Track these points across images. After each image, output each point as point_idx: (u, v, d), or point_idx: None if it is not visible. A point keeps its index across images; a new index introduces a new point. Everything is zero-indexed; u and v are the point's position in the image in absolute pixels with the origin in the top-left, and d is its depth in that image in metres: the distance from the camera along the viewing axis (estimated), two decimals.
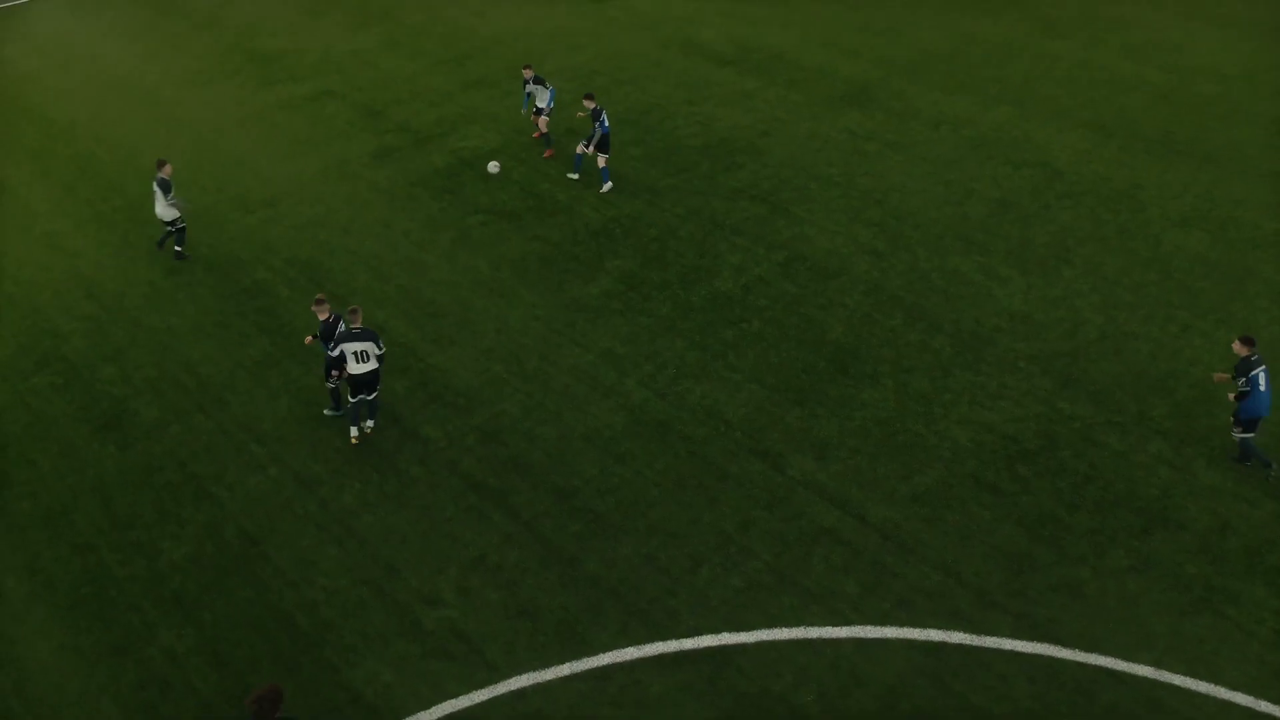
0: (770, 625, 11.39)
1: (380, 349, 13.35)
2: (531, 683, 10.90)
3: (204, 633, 11.59)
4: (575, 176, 19.90)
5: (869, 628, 11.32)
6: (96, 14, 30.52)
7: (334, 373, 13.64)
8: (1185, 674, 10.62)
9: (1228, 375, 12.89)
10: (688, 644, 11.25)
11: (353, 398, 13.58)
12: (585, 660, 11.11)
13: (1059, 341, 15.34)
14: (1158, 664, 10.74)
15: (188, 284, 17.52)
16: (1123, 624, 11.20)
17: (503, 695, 10.80)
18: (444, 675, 11.01)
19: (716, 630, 11.36)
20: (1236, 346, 12.71)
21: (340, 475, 13.54)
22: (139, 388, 15.23)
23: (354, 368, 13.23)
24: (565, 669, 11.03)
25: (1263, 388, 12.45)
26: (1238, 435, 12.83)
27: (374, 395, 13.64)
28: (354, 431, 13.81)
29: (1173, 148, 20.35)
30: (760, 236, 18.10)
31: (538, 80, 20.57)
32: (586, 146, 19.33)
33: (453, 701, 10.75)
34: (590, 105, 19.08)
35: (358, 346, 13.14)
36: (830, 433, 13.90)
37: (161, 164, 17.39)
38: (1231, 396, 12.72)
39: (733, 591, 11.81)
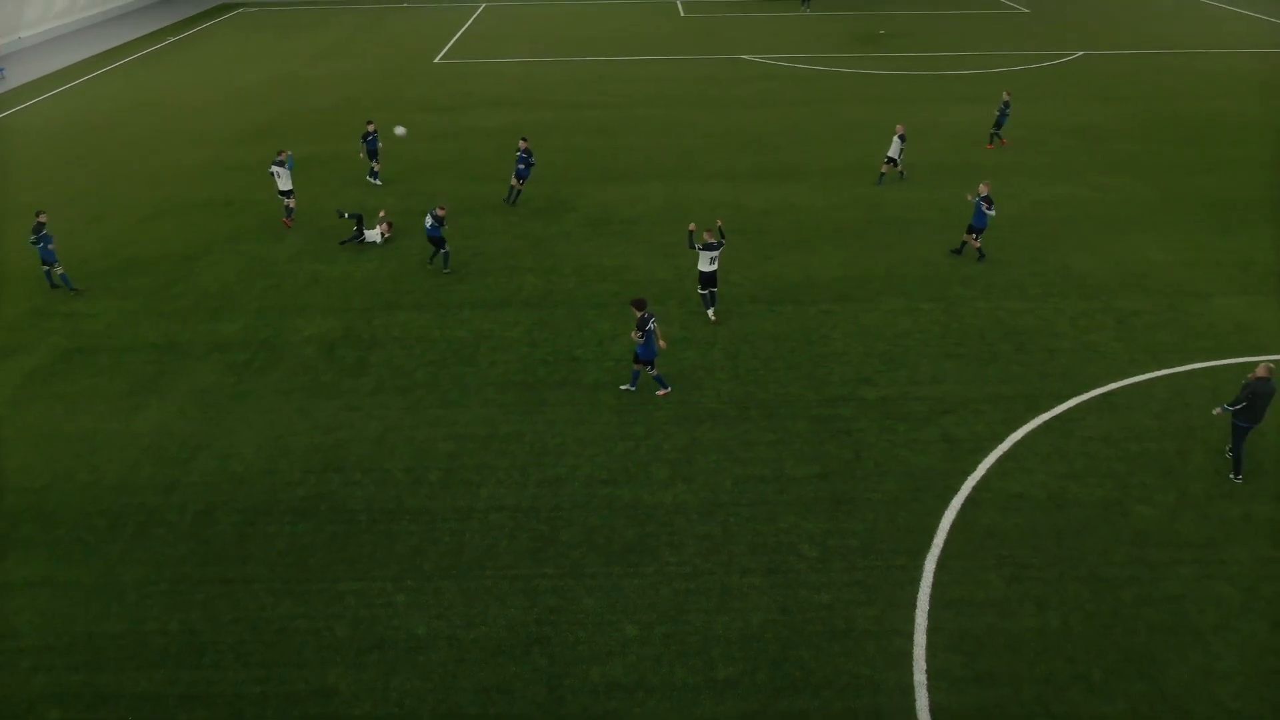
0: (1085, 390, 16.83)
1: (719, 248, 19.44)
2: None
3: None
4: (376, 183, 28.54)
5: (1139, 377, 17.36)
6: None
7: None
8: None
9: None
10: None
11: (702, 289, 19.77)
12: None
13: (900, 280, 21.86)
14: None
15: (279, 531, 14.33)
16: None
17: None
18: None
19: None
20: None
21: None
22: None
23: (703, 266, 19.45)
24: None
25: None
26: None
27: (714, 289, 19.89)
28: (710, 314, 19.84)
29: (798, 172, 29.39)
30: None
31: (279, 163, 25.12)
32: (373, 163, 28.61)
33: None
34: (370, 128, 28.33)
35: (712, 254, 19.34)
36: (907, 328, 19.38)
37: None
38: None
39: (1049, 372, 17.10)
